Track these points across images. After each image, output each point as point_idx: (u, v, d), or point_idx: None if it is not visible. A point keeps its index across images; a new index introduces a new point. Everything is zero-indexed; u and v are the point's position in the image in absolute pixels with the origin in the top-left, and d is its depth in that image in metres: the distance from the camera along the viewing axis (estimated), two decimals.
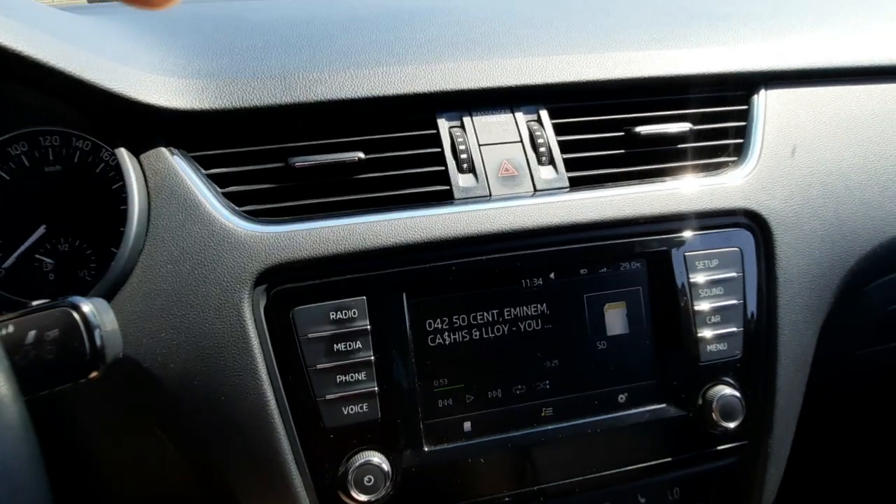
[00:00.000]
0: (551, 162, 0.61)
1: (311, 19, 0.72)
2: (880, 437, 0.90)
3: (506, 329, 0.57)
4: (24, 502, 0.20)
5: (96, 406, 0.51)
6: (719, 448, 0.62)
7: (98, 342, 0.33)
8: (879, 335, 0.81)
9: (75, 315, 0.33)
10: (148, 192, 0.53)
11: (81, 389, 0.41)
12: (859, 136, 0.69)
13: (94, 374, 0.34)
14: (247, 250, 0.52)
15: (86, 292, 0.54)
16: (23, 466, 0.21)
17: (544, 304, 0.58)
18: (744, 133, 0.67)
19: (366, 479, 0.51)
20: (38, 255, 0.59)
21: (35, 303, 0.33)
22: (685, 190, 0.61)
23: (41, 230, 0.59)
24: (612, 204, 0.59)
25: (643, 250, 0.60)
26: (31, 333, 0.31)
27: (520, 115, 0.63)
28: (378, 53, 0.63)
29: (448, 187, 0.58)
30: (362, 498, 0.50)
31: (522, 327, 0.57)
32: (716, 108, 0.67)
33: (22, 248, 0.58)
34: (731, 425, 0.59)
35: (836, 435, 0.84)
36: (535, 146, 0.61)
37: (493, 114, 0.62)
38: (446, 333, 0.55)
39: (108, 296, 0.51)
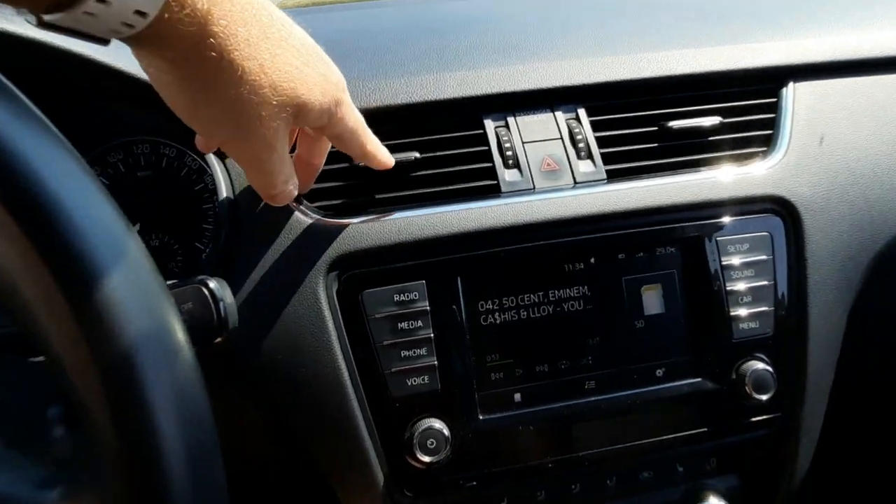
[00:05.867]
0: (590, 156, 0.66)
1: (362, 31, 0.79)
2: None
3: (551, 309, 0.62)
4: (202, 430, 0.27)
5: None
6: (753, 420, 0.66)
7: (223, 312, 0.40)
8: None
9: (205, 290, 0.40)
10: (233, 189, 0.60)
11: None
12: (888, 123, 0.73)
13: (219, 339, 0.41)
14: (320, 241, 0.59)
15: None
16: (199, 397, 0.27)
17: (585, 287, 0.63)
18: (773, 124, 0.71)
19: (429, 442, 0.57)
20: None
21: (168, 283, 0.40)
22: (717, 179, 0.66)
23: (136, 228, 0.67)
24: (647, 193, 0.64)
25: (677, 236, 0.65)
26: None
27: (559, 114, 0.68)
28: (428, 61, 0.69)
29: (495, 182, 0.64)
30: (425, 459, 0.57)
31: (566, 308, 0.63)
32: (746, 102, 0.71)
33: None
34: (764, 398, 0.63)
35: (871, 418, 0.86)
36: (574, 142, 0.66)
37: (534, 114, 0.68)
38: (497, 314, 0.61)
39: None
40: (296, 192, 0.52)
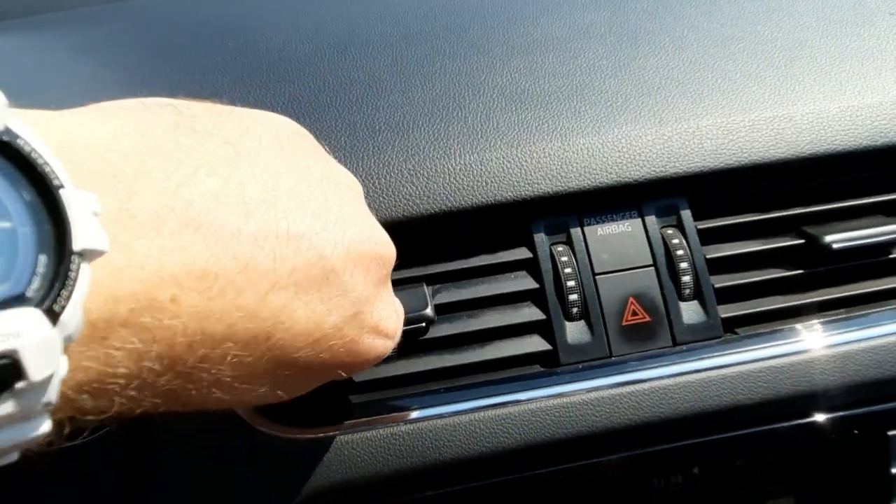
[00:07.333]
0: (698, 295, 0.42)
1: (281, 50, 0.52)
2: None
3: None
4: None
5: None
6: None
7: None
8: None
9: None
10: None
11: None
12: None
13: None
14: (277, 469, 0.37)
15: None
16: None
17: None
18: None
19: None
20: None
21: None
22: None
23: None
24: (789, 371, 0.40)
25: (830, 430, 0.42)
26: None
27: (651, 220, 0.43)
28: (427, 127, 0.43)
29: (549, 347, 0.40)
30: None
31: None
32: None
33: None
34: None
35: None
36: (672, 270, 0.42)
37: (611, 220, 0.43)
38: None
39: None
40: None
